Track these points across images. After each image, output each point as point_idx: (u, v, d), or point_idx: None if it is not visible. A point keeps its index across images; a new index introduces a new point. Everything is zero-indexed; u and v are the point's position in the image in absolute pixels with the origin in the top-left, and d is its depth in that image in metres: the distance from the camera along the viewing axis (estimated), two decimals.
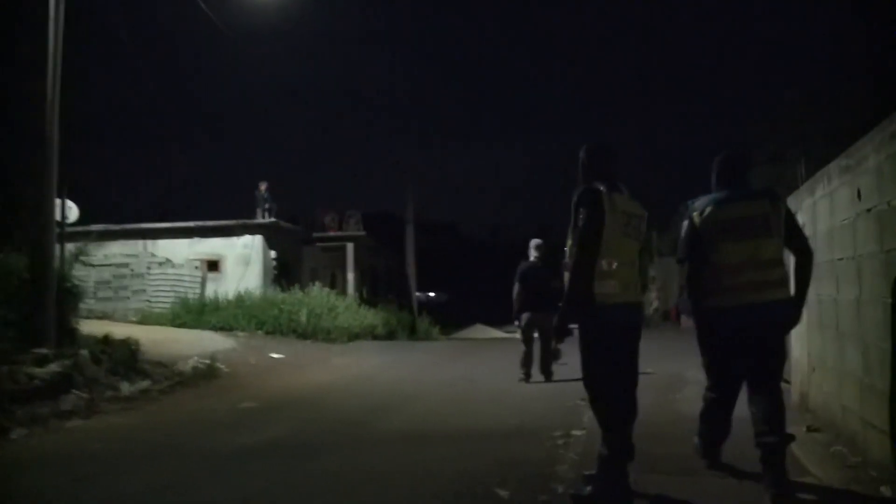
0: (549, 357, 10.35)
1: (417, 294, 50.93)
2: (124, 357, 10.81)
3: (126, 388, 9.80)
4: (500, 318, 58.52)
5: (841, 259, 5.40)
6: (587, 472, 4.42)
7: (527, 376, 10.28)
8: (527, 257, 10.66)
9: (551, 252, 10.54)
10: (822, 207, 5.99)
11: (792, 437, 4.40)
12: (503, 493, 4.62)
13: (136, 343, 11.36)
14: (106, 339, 11.16)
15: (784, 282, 4.50)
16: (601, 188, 4.26)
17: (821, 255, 5.61)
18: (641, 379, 4.54)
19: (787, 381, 7.09)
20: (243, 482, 5.25)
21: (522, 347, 10.48)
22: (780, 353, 4.56)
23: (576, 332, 4.32)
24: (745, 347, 4.38)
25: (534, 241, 10.68)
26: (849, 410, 5.31)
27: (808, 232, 5.37)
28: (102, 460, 6.08)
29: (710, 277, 4.46)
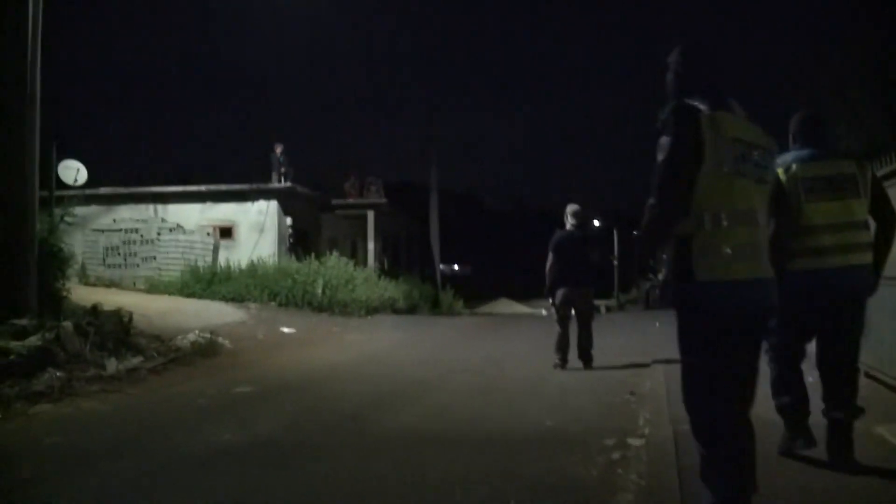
0: (590, 340, 9.13)
1: (441, 266, 49.86)
2: (114, 330, 9.75)
3: (112, 365, 8.72)
4: (525, 292, 58.15)
5: None
6: None
7: (563, 362, 9.04)
8: (562, 225, 9.39)
9: (590, 220, 9.35)
10: None
11: (861, 411, 4.14)
12: None
13: (129, 315, 10.29)
14: (95, 310, 10.08)
15: (871, 246, 4.19)
16: (699, 105, 2.90)
17: None
18: None
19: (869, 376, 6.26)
20: (205, 497, 4.11)
21: (557, 328, 9.23)
22: (859, 321, 4.23)
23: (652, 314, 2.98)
24: (825, 312, 4.14)
25: (570, 207, 9.37)
26: None
27: None
28: (50, 460, 5.03)
29: (795, 237, 4.12)
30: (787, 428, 4.33)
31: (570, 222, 9.26)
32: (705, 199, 2.86)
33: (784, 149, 4.26)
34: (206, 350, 10.51)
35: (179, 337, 11.15)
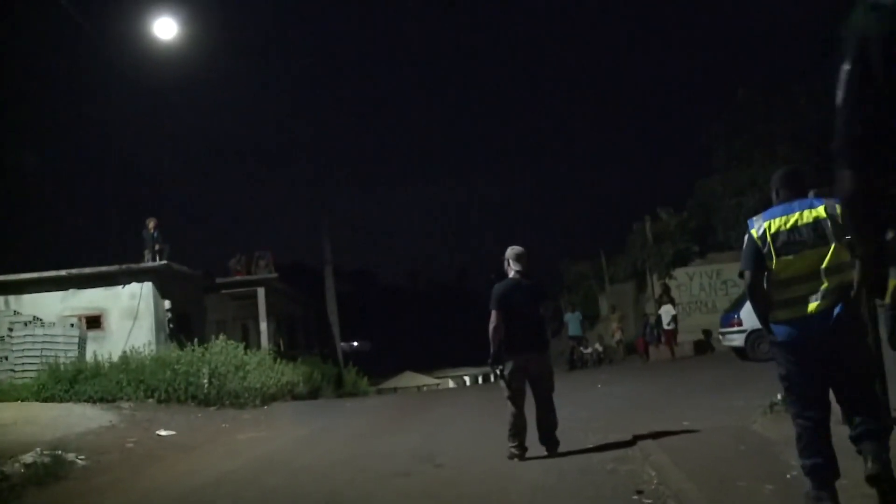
0: (553, 418, 7.20)
1: (341, 344, 47.44)
2: None
3: None
4: (427, 363, 56.14)
5: None
6: None
7: (521, 451, 7.03)
8: (500, 275, 7.53)
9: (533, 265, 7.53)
10: None
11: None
12: None
13: None
14: None
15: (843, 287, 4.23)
16: None
17: None
18: None
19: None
20: None
21: (509, 408, 7.16)
22: (861, 361, 4.27)
23: None
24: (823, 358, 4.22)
25: (513, 250, 7.46)
26: None
27: None
28: None
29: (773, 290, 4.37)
30: (814, 487, 4.15)
31: (513, 269, 7.35)
32: None
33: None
34: (49, 474, 7.99)
35: (16, 458, 8.58)
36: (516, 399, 7.11)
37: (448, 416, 11.68)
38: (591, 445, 7.26)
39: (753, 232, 4.39)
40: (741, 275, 4.60)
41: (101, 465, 8.88)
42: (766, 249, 4.31)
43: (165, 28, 16.76)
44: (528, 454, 7.00)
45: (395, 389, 46.22)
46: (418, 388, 49.20)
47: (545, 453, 7.07)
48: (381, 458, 7.92)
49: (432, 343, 77.14)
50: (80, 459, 9.05)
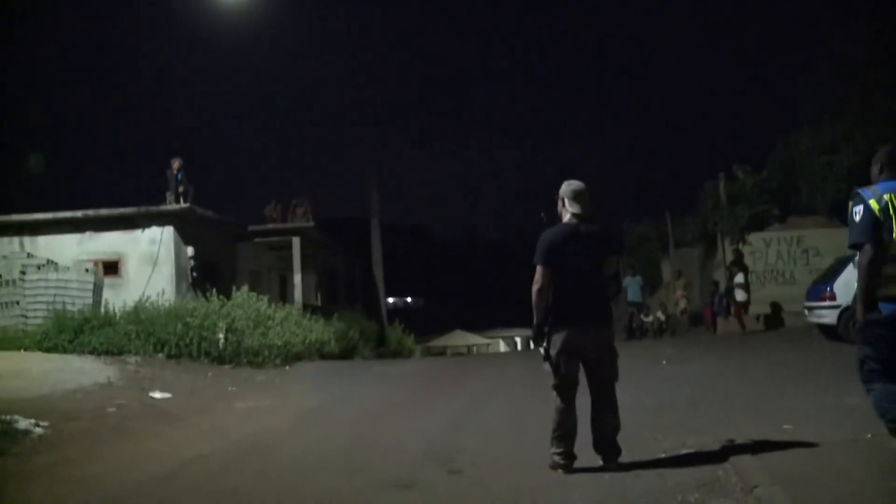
0: (615, 417, 5.27)
1: (391, 299, 46.21)
2: None
3: None
4: (479, 323, 54.84)
5: None
6: None
7: (567, 459, 5.17)
8: (552, 219, 5.54)
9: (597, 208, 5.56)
10: None
11: None
12: None
13: None
14: None
15: None
16: None
17: None
18: None
19: None
20: None
21: (555, 400, 5.26)
22: None
23: None
24: None
25: (569, 186, 5.46)
26: None
27: None
28: None
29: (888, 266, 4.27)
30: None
31: (570, 210, 5.37)
32: None
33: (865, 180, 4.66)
34: None
35: None
36: (566, 389, 5.21)
37: (483, 394, 9.85)
38: (663, 455, 5.36)
39: (873, 203, 4.31)
40: (856, 246, 4.43)
41: (60, 437, 7.39)
42: (886, 222, 4.26)
43: None
44: (577, 464, 5.16)
45: (444, 348, 44.99)
46: (468, 347, 47.89)
47: (600, 463, 5.20)
48: (387, 454, 6.19)
49: (486, 301, 75.90)
50: (40, 427, 7.60)
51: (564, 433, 5.16)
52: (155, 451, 6.90)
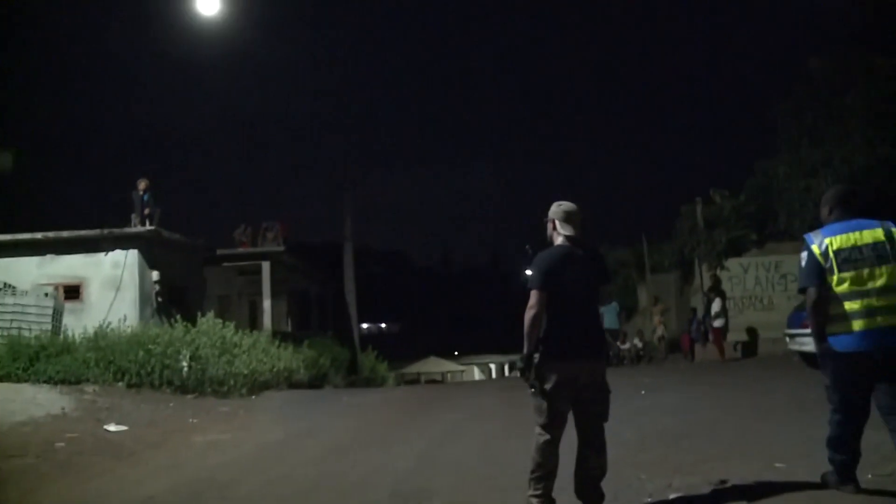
0: (602, 459, 4.79)
1: (365, 325, 45.52)
2: None
3: None
4: (454, 347, 54.32)
5: None
6: None
7: (546, 501, 4.71)
8: (535, 252, 5.02)
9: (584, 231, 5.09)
10: None
11: None
12: None
13: None
14: None
15: None
16: None
17: None
18: None
19: None
20: None
21: (538, 435, 4.73)
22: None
23: None
24: (876, 371, 4.42)
25: (560, 207, 5.00)
26: None
27: None
28: None
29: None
30: (837, 474, 4.69)
31: (562, 233, 4.93)
32: None
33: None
34: None
35: None
36: (555, 428, 4.70)
37: (456, 426, 9.35)
38: (649, 500, 4.94)
39: (815, 248, 4.60)
40: (802, 291, 4.74)
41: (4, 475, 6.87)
42: (828, 265, 4.54)
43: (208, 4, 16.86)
44: None
45: (417, 375, 44.46)
46: (442, 374, 47.39)
47: None
48: (351, 492, 5.73)
49: (462, 327, 75.56)
50: None
51: (545, 474, 4.67)
52: (101, 492, 6.42)
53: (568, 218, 4.92)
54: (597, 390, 4.75)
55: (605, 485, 4.81)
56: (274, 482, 6.44)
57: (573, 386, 4.67)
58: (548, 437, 4.68)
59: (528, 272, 4.88)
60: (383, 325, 76.74)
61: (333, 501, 5.48)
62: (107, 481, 6.81)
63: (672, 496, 4.94)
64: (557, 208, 4.98)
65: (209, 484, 6.50)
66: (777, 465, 5.50)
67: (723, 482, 4.95)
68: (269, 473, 6.90)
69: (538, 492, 4.67)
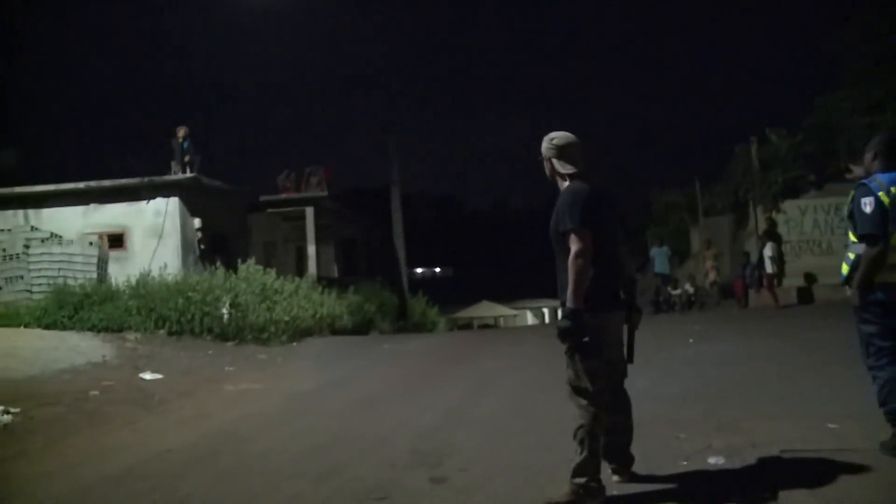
0: (629, 421, 4.29)
1: (419, 270, 45.36)
2: None
3: None
4: (507, 293, 54.13)
5: None
6: None
7: (599, 488, 3.95)
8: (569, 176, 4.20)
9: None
10: None
11: None
12: None
13: None
14: None
15: None
16: None
17: None
18: None
19: None
20: None
21: (582, 406, 3.92)
22: None
23: None
24: None
25: (554, 140, 4.23)
26: None
27: None
28: None
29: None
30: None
31: (565, 172, 4.18)
32: None
33: None
34: None
35: None
36: (602, 392, 3.96)
37: (493, 375, 9.04)
38: (684, 463, 4.53)
39: (883, 196, 4.35)
40: (866, 237, 4.39)
41: (27, 426, 6.86)
42: (894, 213, 4.32)
43: None
44: (608, 494, 4.02)
45: (470, 320, 44.31)
46: (495, 318, 47.20)
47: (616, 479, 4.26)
48: (369, 452, 5.47)
49: (515, 272, 75.03)
50: (9, 414, 7.07)
51: (599, 447, 3.92)
52: (122, 444, 6.30)
53: (563, 153, 4.20)
54: (621, 346, 4.22)
55: (641, 443, 4.44)
56: (295, 436, 6.24)
57: (613, 336, 4.13)
58: (595, 404, 3.92)
59: (558, 213, 4.06)
60: (437, 270, 76.84)
61: (349, 460, 5.24)
62: (130, 433, 6.71)
63: (710, 460, 4.54)
64: (549, 143, 4.26)
65: (229, 437, 6.34)
66: (830, 425, 5.07)
67: (766, 446, 4.54)
68: (292, 426, 6.72)
69: (585, 477, 3.91)
